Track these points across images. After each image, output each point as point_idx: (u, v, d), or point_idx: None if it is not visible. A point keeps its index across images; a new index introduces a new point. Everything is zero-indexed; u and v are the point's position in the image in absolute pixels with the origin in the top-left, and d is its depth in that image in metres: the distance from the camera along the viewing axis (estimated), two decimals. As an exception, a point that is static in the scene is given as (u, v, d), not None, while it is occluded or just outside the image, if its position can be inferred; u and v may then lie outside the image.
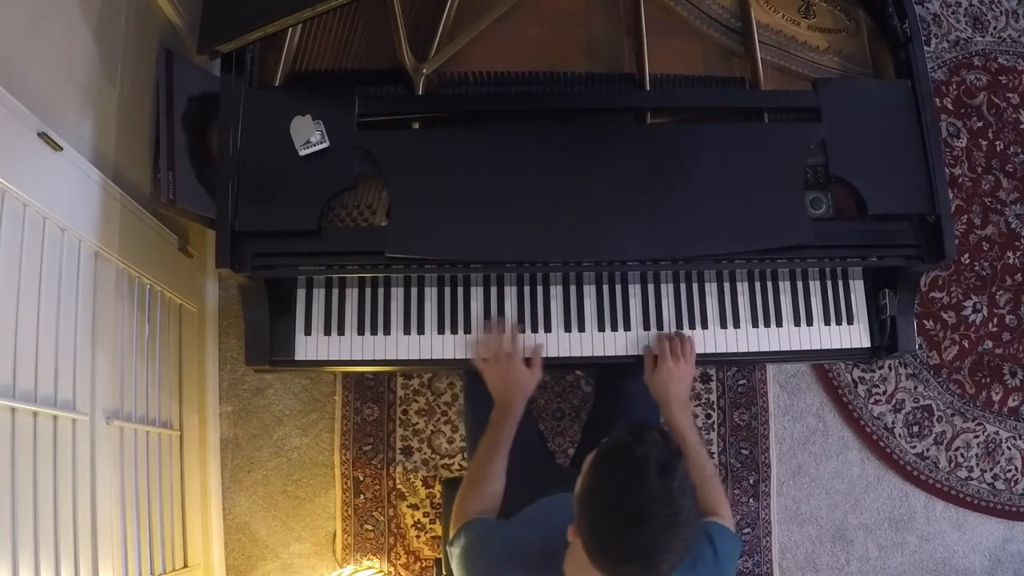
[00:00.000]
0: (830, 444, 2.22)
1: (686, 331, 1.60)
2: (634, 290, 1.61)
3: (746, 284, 1.63)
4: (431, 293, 1.59)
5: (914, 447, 2.23)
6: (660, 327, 1.60)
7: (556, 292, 1.61)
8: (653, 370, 1.54)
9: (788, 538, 2.18)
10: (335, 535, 2.08)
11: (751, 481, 2.17)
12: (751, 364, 2.17)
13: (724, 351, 1.61)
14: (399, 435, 2.12)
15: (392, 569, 2.08)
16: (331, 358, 1.57)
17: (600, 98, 1.59)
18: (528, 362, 1.52)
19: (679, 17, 1.64)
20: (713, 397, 2.19)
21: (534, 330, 1.59)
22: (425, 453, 2.11)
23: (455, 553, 1.25)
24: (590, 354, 1.59)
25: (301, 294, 1.57)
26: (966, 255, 2.32)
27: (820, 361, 2.18)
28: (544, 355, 1.57)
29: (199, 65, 1.74)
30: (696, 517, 1.04)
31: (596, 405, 1.85)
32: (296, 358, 1.56)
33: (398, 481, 2.10)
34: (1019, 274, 2.33)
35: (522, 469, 1.45)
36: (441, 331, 1.58)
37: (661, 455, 0.99)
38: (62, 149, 1.27)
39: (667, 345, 1.54)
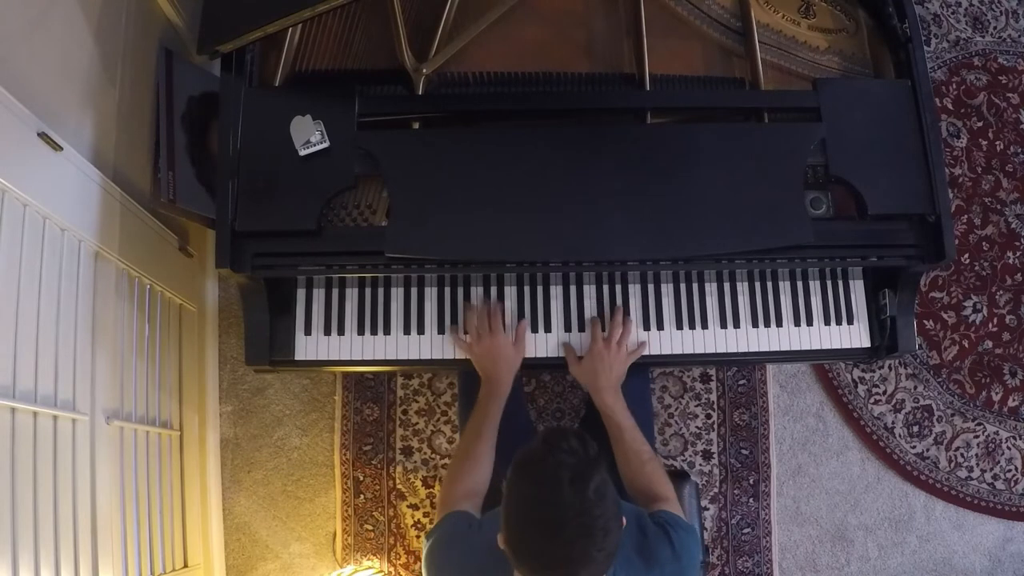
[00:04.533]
0: (830, 444, 2.22)
1: (685, 330, 1.60)
2: (634, 290, 1.61)
3: (746, 284, 1.63)
4: (431, 293, 1.59)
5: (914, 447, 2.23)
6: (660, 327, 1.60)
7: (556, 292, 1.61)
8: (578, 361, 1.53)
9: (788, 538, 2.18)
10: (335, 535, 2.08)
11: (751, 481, 2.17)
12: (751, 364, 2.16)
13: (724, 351, 1.61)
14: (399, 435, 2.12)
15: (392, 569, 2.08)
16: (331, 358, 1.57)
17: (600, 98, 1.59)
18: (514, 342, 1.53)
19: (679, 17, 1.64)
20: (713, 397, 2.19)
21: (534, 330, 1.59)
22: (425, 453, 2.11)
23: (426, 546, 1.25)
24: (590, 354, 1.59)
25: (301, 294, 1.58)
26: (966, 255, 2.32)
27: (820, 361, 2.18)
28: (544, 355, 1.57)
29: (199, 65, 1.74)
30: (618, 524, 1.01)
31: (591, 405, 1.85)
32: (296, 358, 1.56)
33: (398, 481, 2.10)
34: (1019, 274, 2.33)
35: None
36: (441, 331, 1.58)
37: (575, 463, 0.98)
38: (62, 149, 1.27)
39: (597, 328, 1.54)
